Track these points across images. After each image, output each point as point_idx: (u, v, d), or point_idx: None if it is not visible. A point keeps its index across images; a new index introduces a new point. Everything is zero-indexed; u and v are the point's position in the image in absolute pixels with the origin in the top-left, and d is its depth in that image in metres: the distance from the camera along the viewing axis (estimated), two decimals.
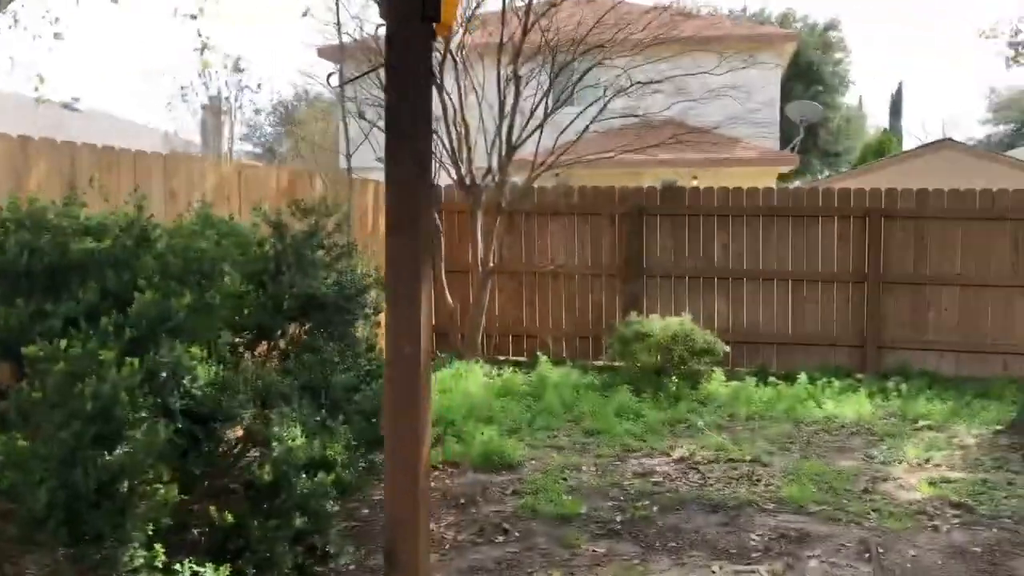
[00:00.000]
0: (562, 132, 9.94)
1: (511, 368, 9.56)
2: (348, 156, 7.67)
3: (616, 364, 9.30)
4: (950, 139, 14.03)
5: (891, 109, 44.28)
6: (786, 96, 24.64)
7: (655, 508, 5.44)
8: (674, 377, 8.77)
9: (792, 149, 21.39)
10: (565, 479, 6.00)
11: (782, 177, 21.59)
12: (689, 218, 10.47)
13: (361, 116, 9.49)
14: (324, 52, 15.13)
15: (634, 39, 9.98)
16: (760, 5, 50.35)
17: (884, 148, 28.38)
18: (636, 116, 9.95)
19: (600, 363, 10.05)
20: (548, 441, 7.04)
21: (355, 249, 5.46)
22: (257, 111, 31.22)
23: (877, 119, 44.17)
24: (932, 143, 14.08)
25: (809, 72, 35.87)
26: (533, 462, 6.43)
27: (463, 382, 8.58)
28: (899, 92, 44.20)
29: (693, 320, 9.16)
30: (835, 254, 10.20)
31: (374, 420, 4.71)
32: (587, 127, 9.83)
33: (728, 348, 9.04)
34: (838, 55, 38.13)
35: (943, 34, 73.52)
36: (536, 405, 7.93)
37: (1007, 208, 9.81)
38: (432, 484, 5.85)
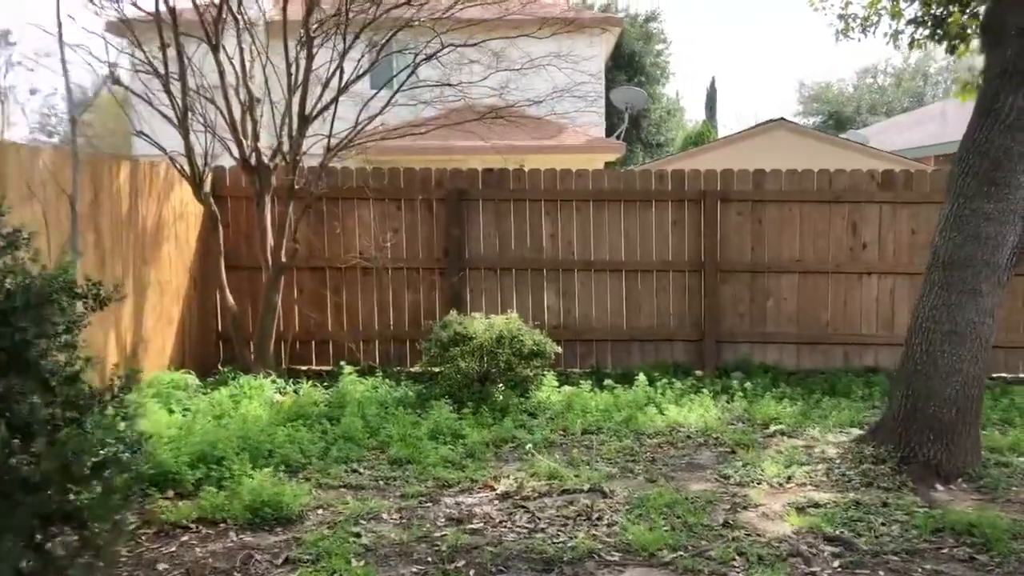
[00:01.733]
0: (366, 104, 8.53)
1: (310, 382, 8.08)
2: (73, 119, 5.93)
3: (436, 370, 8.00)
4: (783, 119, 13.69)
5: (706, 103, 45.46)
6: (610, 85, 24.21)
7: (471, 572, 4.19)
8: (500, 385, 7.59)
9: (618, 136, 20.86)
10: (358, 535, 4.64)
11: (608, 166, 21.03)
12: (514, 203, 9.33)
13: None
14: (113, 27, 12.93)
15: (447, 13, 8.64)
16: None
17: (703, 139, 28.58)
18: (451, 85, 8.66)
19: (417, 370, 8.76)
20: (344, 478, 5.65)
21: (36, 238, 3.89)
22: (33, 91, 27.74)
23: (692, 113, 45.14)
24: (766, 123, 13.66)
25: (631, 63, 36.01)
26: (320, 511, 5.03)
27: (245, 404, 7.04)
28: (713, 87, 45.50)
29: (521, 317, 8.02)
30: (670, 240, 9.34)
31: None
32: (393, 96, 8.46)
33: (560, 348, 7.95)
34: (659, 47, 38.51)
35: (757, 30, 76.88)
36: (334, 430, 6.51)
37: (844, 190, 9.26)
38: (172, 555, 4.35)
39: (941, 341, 5.41)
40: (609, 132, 22.06)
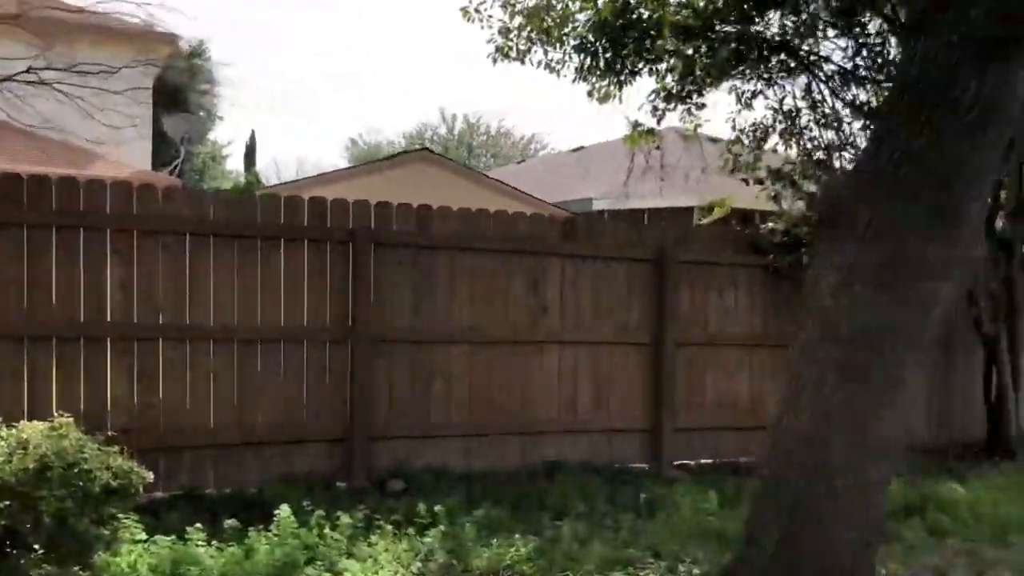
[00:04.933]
0: None
1: None
2: None
3: None
4: (427, 149, 11.59)
5: (246, 155, 42.59)
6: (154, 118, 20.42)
7: None
8: (41, 554, 4.13)
9: (173, 171, 17.26)
10: None
11: None
12: (59, 232, 5.80)
13: None
14: None
15: None
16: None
17: (253, 190, 25.85)
18: None
19: None
20: None
21: None
22: None
23: (231, 163, 41.67)
24: (411, 152, 11.43)
25: (176, 99, 31.86)
26: None
27: None
28: (253, 139, 42.81)
29: (77, 421, 4.59)
30: (306, 298, 6.56)
31: None
32: None
33: (150, 475, 4.66)
34: (204, 86, 34.85)
35: (301, 84, 75.50)
36: None
37: (526, 237, 7.34)
38: None
39: (846, 462, 3.53)
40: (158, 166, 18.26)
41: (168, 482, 6.03)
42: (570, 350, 7.48)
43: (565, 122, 66.02)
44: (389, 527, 5.23)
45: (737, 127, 8.39)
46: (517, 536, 5.16)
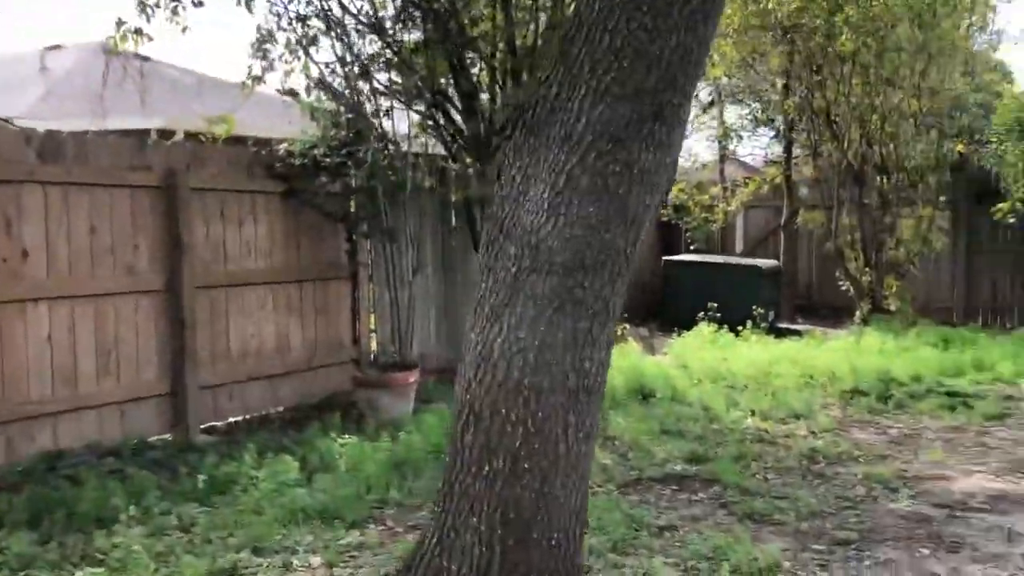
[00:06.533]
0: None
1: None
2: None
3: None
4: None
5: None
6: None
7: None
8: None
9: None
10: None
11: None
12: None
13: None
14: None
15: None
16: None
17: None
18: None
19: None
20: None
21: None
22: None
23: None
24: None
25: None
26: None
27: None
28: None
29: None
30: None
31: None
32: None
33: None
34: None
35: None
36: None
37: None
38: None
39: (565, 410, 2.95)
40: None
41: None
42: (64, 306, 5.76)
43: None
44: None
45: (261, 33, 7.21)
46: (67, 573, 3.70)
